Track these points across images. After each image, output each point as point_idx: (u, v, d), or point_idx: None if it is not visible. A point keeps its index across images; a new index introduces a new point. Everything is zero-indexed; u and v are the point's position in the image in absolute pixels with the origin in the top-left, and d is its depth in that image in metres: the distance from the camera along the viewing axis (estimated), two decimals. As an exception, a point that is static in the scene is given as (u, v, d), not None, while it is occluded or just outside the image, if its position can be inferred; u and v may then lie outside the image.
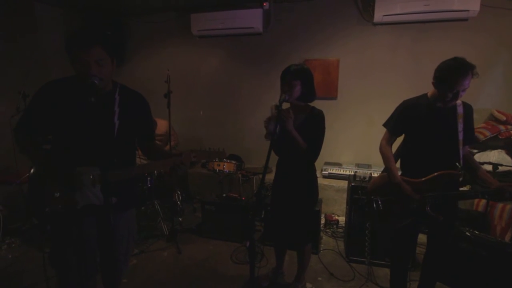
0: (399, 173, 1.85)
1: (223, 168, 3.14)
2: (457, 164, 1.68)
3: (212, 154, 1.55)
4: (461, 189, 1.88)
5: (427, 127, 1.72)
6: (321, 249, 2.80)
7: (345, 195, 3.15)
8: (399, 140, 1.95)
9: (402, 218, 1.79)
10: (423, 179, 1.73)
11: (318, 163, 2.01)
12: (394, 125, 1.86)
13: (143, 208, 3.26)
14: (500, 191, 1.58)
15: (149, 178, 3.13)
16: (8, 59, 3.51)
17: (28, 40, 3.71)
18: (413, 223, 1.79)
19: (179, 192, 3.63)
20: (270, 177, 3.40)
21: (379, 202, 1.86)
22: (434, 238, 1.86)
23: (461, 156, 1.69)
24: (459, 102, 1.69)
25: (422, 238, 2.01)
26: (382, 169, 3.31)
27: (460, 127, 1.67)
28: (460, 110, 1.68)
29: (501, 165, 2.49)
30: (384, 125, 1.92)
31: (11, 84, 3.09)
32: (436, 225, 1.75)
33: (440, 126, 1.70)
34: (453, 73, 1.57)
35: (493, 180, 1.67)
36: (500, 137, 3.06)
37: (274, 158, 1.91)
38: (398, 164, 1.92)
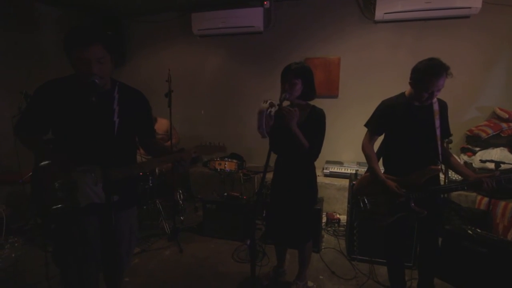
0: (382, 171, 1.90)
1: (225, 167, 3.15)
2: (437, 160, 1.75)
3: (213, 148, 1.56)
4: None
5: (406, 125, 1.78)
6: (323, 247, 2.80)
7: (346, 194, 3.14)
8: (380, 138, 1.99)
9: (388, 215, 1.84)
10: (405, 177, 1.79)
11: (320, 162, 2.03)
12: (374, 124, 1.92)
13: (144, 207, 3.27)
14: (479, 182, 1.64)
15: (150, 177, 3.14)
16: (9, 59, 3.52)
17: (29, 40, 3.72)
18: (400, 220, 1.83)
19: (180, 191, 3.65)
20: (271, 176, 3.40)
21: (366, 202, 1.91)
22: (422, 234, 1.93)
23: (439, 151, 1.76)
24: (434, 99, 1.74)
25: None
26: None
27: (437, 123, 1.74)
28: (436, 107, 1.75)
29: (504, 163, 2.48)
30: (366, 125, 1.97)
31: (13, 84, 3.10)
32: (423, 220, 1.80)
33: (418, 123, 1.76)
34: (427, 75, 1.62)
35: (470, 172, 1.77)
36: (502, 135, 3.05)
37: (274, 156, 1.91)
38: (380, 162, 1.96)
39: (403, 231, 1.95)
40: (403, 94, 1.84)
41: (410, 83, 1.75)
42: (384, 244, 2.04)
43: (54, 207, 1.33)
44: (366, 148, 1.93)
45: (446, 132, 1.82)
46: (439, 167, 1.77)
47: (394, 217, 1.82)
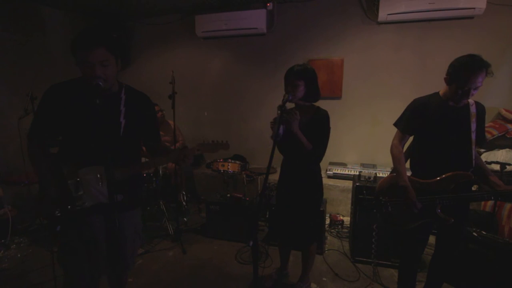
0: (409, 173, 1.81)
1: (228, 168, 3.15)
2: (470, 167, 1.64)
3: (216, 146, 1.57)
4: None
5: (439, 126, 1.67)
6: (326, 249, 2.79)
7: (350, 195, 3.13)
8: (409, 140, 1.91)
9: (411, 220, 1.76)
10: (433, 180, 1.69)
11: (323, 163, 2.01)
12: (405, 124, 1.81)
13: (148, 208, 3.29)
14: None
15: (154, 179, 3.16)
16: (16, 61, 3.57)
17: (36, 43, 3.77)
18: (424, 225, 1.76)
19: (184, 193, 3.66)
20: (274, 177, 3.41)
21: (388, 204, 1.84)
22: (443, 240, 1.83)
23: (473, 156, 1.65)
24: (471, 101, 1.66)
25: (430, 239, 1.96)
26: (387, 169, 3.26)
27: (473, 127, 1.63)
28: (473, 109, 1.64)
29: (509, 164, 2.46)
30: (395, 124, 1.87)
31: (19, 86, 3.14)
32: (447, 227, 1.71)
33: (452, 125, 1.65)
34: (465, 70, 1.52)
35: (499, 181, 1.64)
36: (508, 136, 3.02)
37: (278, 157, 1.92)
38: (407, 164, 1.87)
39: (425, 237, 1.85)
40: (437, 93, 1.73)
41: (445, 79, 1.64)
42: (402, 247, 1.97)
43: (59, 210, 1.34)
44: (394, 148, 1.81)
45: (481, 138, 1.68)
46: (470, 173, 1.64)
47: (419, 222, 1.73)
